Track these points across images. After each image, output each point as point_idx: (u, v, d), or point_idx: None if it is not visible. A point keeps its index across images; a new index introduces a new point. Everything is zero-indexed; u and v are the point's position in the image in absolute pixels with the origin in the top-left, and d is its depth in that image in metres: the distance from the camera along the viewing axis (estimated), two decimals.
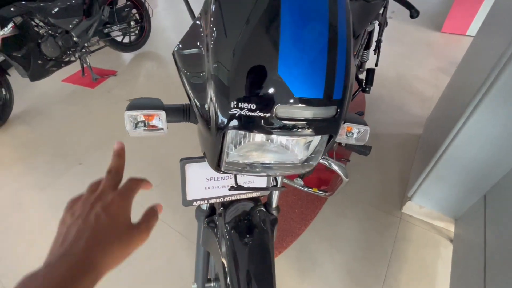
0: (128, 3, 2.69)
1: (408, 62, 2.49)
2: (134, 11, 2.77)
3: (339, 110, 0.37)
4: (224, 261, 0.59)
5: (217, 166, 0.43)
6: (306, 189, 1.06)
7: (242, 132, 0.38)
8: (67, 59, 2.32)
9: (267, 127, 0.35)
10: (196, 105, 0.39)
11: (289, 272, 1.17)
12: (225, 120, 0.35)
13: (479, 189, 1.06)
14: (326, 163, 0.79)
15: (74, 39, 2.25)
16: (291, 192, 1.48)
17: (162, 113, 0.42)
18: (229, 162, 0.42)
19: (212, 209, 0.70)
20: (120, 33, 2.71)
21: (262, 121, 0.35)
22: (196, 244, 0.74)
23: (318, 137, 0.41)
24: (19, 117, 2.17)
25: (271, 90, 0.34)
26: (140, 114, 0.42)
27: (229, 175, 0.61)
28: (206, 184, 0.60)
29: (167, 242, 1.30)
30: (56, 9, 2.05)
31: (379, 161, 1.63)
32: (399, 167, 1.60)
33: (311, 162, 0.45)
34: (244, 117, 0.35)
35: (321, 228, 1.32)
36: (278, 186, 0.60)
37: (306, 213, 1.38)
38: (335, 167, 0.79)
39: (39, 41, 2.08)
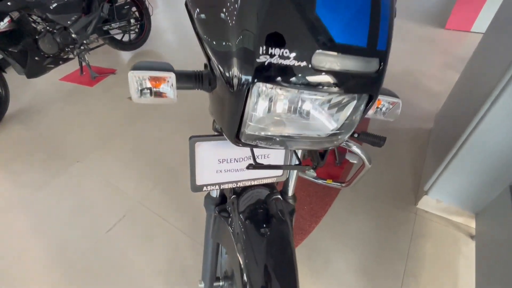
0: (128, 0, 2.65)
1: (414, 59, 2.45)
2: (134, 9, 2.73)
3: (382, 64, 0.32)
4: (240, 255, 0.52)
5: (236, 137, 0.37)
6: (319, 181, 1.00)
7: (269, 89, 0.32)
8: (65, 56, 2.26)
9: (300, 80, 0.30)
10: (216, 60, 0.32)
11: (300, 271, 1.10)
12: (252, 71, 0.29)
13: (503, 179, 0.99)
14: (345, 145, 0.73)
15: (73, 35, 2.20)
16: (299, 188, 1.41)
17: (172, 76, 0.36)
18: (249, 133, 0.36)
19: (222, 197, 0.63)
20: (120, 31, 2.67)
21: (295, 71, 0.29)
22: (205, 237, 0.67)
23: (353, 103, 0.35)
24: (15, 116, 2.10)
25: (307, 34, 0.28)
26: (147, 76, 0.35)
27: (243, 157, 0.55)
28: (217, 166, 0.54)
29: (169, 241, 1.22)
30: (55, 5, 1.99)
31: (389, 156, 1.57)
32: (411, 161, 1.53)
33: (339, 136, 0.39)
34: (275, 66, 0.29)
35: (332, 225, 1.25)
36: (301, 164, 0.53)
37: (315, 209, 1.31)
38: (356, 150, 0.73)
39: (36, 37, 2.03)
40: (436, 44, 2.69)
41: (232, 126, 0.35)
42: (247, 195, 0.60)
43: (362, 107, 0.36)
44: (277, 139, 0.38)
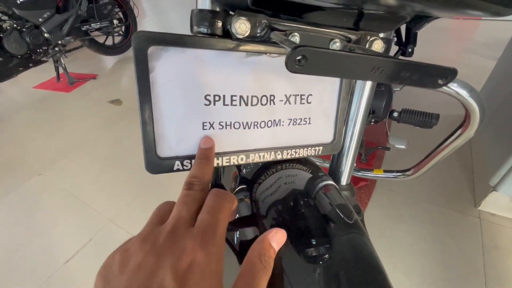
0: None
1: (429, 47, 2.22)
2: (117, 9, 2.50)
3: None
4: None
5: None
6: (362, 174, 0.69)
7: None
8: (37, 59, 1.99)
9: None
10: None
11: None
12: None
13: None
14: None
15: (45, 35, 1.94)
16: None
17: None
18: None
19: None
20: (102, 33, 2.43)
21: None
22: None
23: None
24: None
25: None
26: None
27: (257, 94, 0.25)
28: (204, 113, 0.24)
29: None
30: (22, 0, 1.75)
31: (424, 149, 1.27)
32: (454, 153, 1.23)
33: None
34: None
35: (372, 239, 0.92)
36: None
37: None
38: (462, 91, 0.44)
39: (1, 35, 1.76)
40: (449, 32, 2.48)
41: None
42: (269, 181, 0.30)
43: None
44: None
